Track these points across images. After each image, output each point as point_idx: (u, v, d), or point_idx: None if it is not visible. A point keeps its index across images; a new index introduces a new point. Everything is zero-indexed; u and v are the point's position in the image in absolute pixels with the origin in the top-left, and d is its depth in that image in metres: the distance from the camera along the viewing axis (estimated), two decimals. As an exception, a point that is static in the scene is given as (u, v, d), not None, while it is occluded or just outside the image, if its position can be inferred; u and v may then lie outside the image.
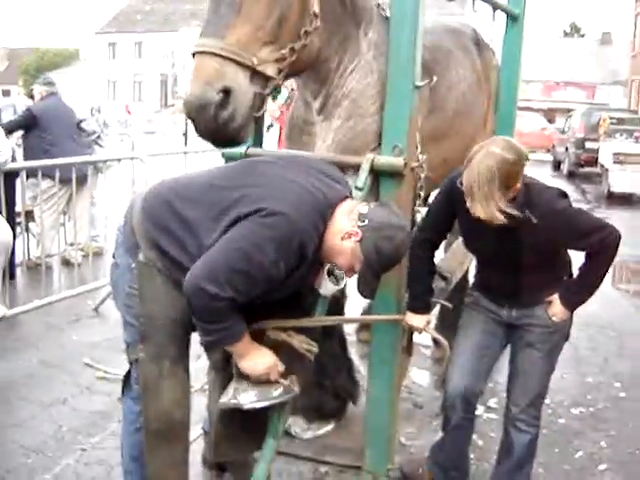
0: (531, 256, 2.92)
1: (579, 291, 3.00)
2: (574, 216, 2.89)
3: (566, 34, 63.69)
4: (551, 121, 32.48)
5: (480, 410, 4.49)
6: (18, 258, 6.93)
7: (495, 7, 4.31)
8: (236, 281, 2.46)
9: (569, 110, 27.39)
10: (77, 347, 5.36)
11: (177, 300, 2.63)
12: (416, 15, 3.05)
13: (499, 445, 3.32)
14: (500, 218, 2.73)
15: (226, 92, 2.58)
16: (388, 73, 3.13)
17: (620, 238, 2.90)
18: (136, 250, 2.71)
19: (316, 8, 2.89)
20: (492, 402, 4.55)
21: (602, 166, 17.07)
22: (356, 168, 3.12)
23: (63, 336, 5.65)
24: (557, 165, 22.68)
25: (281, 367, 2.76)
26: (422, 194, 3.28)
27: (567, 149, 20.93)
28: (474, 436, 4.06)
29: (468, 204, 2.75)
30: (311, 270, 2.72)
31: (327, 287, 2.83)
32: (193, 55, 2.66)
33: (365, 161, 3.10)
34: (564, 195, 2.92)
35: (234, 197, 2.57)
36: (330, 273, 2.79)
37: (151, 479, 2.90)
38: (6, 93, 36.70)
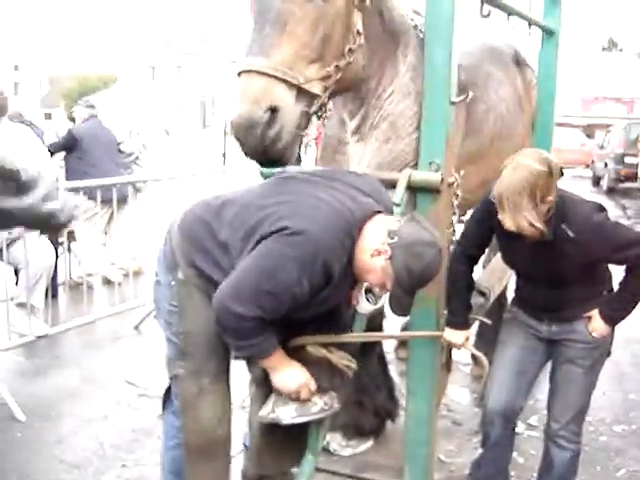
0: (569, 270, 2.90)
1: (619, 306, 2.97)
2: (611, 230, 2.86)
3: (604, 49, 63.15)
4: (590, 136, 32.11)
5: (521, 428, 4.45)
6: (60, 278, 7.04)
7: (531, 23, 4.30)
8: (261, 301, 2.48)
9: (608, 125, 27.09)
10: (118, 365, 5.42)
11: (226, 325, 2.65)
12: (450, 30, 3.05)
13: (540, 462, 3.29)
14: (530, 230, 2.72)
15: (273, 111, 2.58)
16: (424, 89, 3.13)
17: None
18: (176, 268, 2.75)
19: (359, 26, 2.90)
20: (533, 419, 4.50)
21: (643, 181, 16.86)
22: (393, 185, 3.13)
23: (104, 354, 5.72)
24: (597, 181, 22.41)
25: (313, 386, 2.76)
26: (458, 211, 3.27)
27: (606, 164, 20.69)
28: (514, 454, 4.02)
29: (499, 216, 2.75)
30: (345, 286, 2.71)
31: (364, 306, 2.82)
32: (239, 74, 2.67)
33: (402, 177, 3.11)
34: (601, 209, 2.90)
35: (260, 216, 2.57)
36: (368, 291, 2.79)
37: None
38: (48, 116, 37.35)
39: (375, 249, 2.55)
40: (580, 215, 2.84)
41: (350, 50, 2.86)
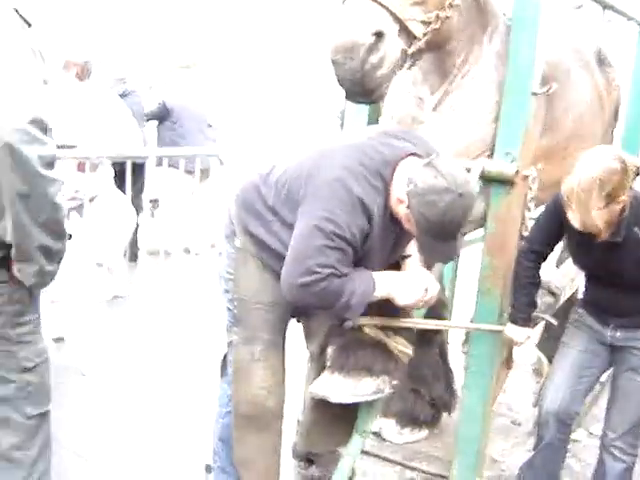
0: (638, 275, 2.79)
1: None
2: None
3: None
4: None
5: (581, 435, 4.34)
6: (142, 244, 7.19)
7: (628, 18, 4.15)
8: (325, 258, 2.45)
9: None
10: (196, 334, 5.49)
11: (270, 284, 2.69)
12: (537, 17, 2.97)
13: (593, 471, 3.20)
14: (599, 229, 2.63)
15: (379, 35, 2.53)
16: (506, 77, 3.07)
17: None
18: (233, 236, 2.79)
19: None
20: (595, 428, 4.36)
21: None
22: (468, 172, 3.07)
23: (179, 320, 5.80)
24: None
25: (432, 282, 2.72)
26: (532, 206, 3.19)
27: None
28: (571, 460, 3.96)
29: (567, 213, 2.66)
30: (394, 236, 2.66)
31: None
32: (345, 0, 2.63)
33: (476, 165, 3.05)
34: None
35: (301, 176, 2.58)
36: None
37: (238, 463, 2.95)
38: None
39: (397, 197, 2.53)
40: None
41: (450, 5, 2.80)
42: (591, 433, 4.27)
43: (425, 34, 2.74)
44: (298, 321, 3.07)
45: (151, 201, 7.37)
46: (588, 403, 4.49)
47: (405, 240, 2.74)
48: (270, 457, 2.98)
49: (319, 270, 2.45)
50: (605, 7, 3.66)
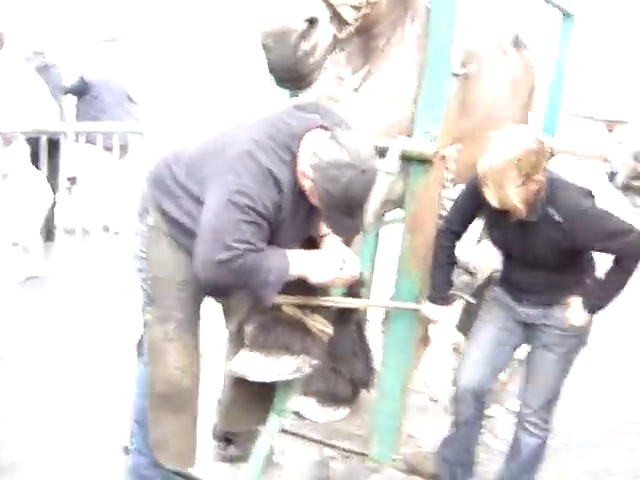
0: (552, 255, 2.85)
1: (600, 295, 2.92)
2: (599, 217, 2.80)
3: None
4: (611, 131, 31.87)
5: (498, 411, 4.43)
6: (59, 222, 7.01)
7: (548, 2, 4.21)
8: (241, 234, 2.42)
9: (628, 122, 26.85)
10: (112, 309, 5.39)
11: (183, 263, 2.65)
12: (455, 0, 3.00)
13: (509, 447, 3.27)
14: (515, 208, 2.67)
15: (311, 22, 2.52)
16: (427, 57, 3.07)
17: None
18: (146, 214, 2.74)
19: None
20: (510, 404, 4.46)
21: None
22: (386, 152, 3.08)
23: (97, 300, 5.69)
24: (612, 176, 22.22)
25: (347, 258, 2.72)
26: (451, 186, 3.22)
27: (623, 161, 20.49)
28: (487, 436, 4.03)
29: (484, 191, 2.69)
30: (307, 210, 2.65)
31: None
32: None
33: (396, 145, 3.05)
34: (590, 194, 2.84)
35: (210, 152, 2.57)
36: None
37: (153, 445, 2.90)
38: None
39: (301, 170, 2.52)
40: (568, 199, 2.78)
41: None
42: (507, 409, 4.36)
43: (356, 19, 2.75)
44: (217, 300, 3.03)
45: (69, 179, 7.18)
46: (505, 380, 4.60)
47: (317, 216, 2.71)
48: (186, 438, 2.94)
49: (236, 246, 2.41)
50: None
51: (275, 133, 2.52)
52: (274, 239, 2.58)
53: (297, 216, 2.63)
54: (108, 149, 6.61)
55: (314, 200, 2.55)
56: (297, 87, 2.80)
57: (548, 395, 3.07)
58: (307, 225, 2.75)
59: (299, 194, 2.57)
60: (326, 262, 2.68)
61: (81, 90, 7.45)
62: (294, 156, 2.53)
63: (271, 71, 2.63)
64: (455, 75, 3.06)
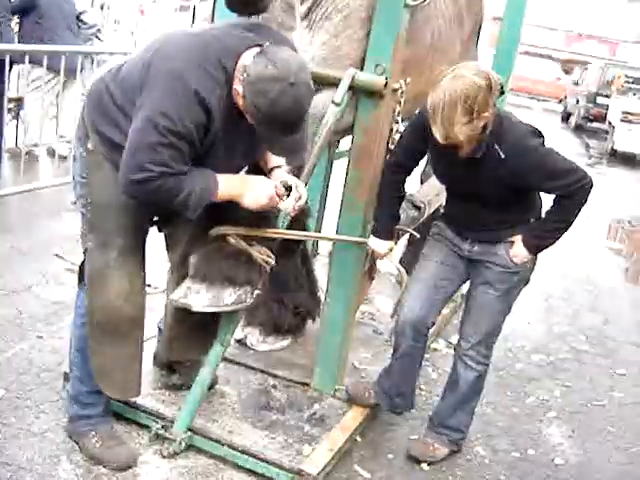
0: (496, 192, 2.86)
1: (542, 235, 2.94)
2: (544, 156, 2.80)
3: (596, -15, 62.15)
4: (568, 72, 31.93)
5: (441, 344, 4.52)
6: (7, 145, 6.85)
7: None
8: (158, 156, 2.39)
9: (587, 63, 26.94)
10: (51, 238, 5.32)
11: (153, 200, 2.57)
12: None
13: (447, 378, 3.33)
14: (462, 145, 2.67)
15: None
16: (380, -14, 3.01)
17: (592, 186, 2.82)
18: (86, 138, 2.68)
19: None
20: (454, 338, 4.54)
21: (609, 123, 16.84)
22: (336, 84, 3.03)
23: (39, 225, 5.61)
24: (566, 117, 22.35)
25: (280, 189, 2.69)
26: (399, 119, 3.19)
27: (578, 102, 20.61)
28: (429, 369, 4.13)
29: (431, 126, 2.67)
30: (246, 130, 2.56)
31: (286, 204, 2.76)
32: None
33: (345, 76, 3.01)
34: (538, 134, 2.83)
35: (139, 67, 2.50)
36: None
37: (95, 374, 2.89)
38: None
39: (235, 88, 2.47)
40: (514, 137, 2.78)
41: None
42: (450, 343, 4.44)
43: None
44: (159, 230, 2.99)
45: (12, 99, 6.99)
46: (448, 314, 4.68)
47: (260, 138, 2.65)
48: (128, 366, 2.92)
49: (151, 167, 2.39)
50: None
51: (207, 50, 2.46)
52: (209, 160, 2.55)
53: (234, 137, 2.58)
54: (54, 70, 6.43)
55: (250, 119, 2.49)
56: (249, 11, 2.71)
57: (487, 330, 3.11)
58: (249, 148, 2.70)
59: (236, 115, 2.50)
60: (258, 187, 2.64)
61: (27, 9, 7.18)
62: (229, 75, 2.46)
63: None
64: (407, 6, 3.00)
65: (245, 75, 2.40)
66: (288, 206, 2.76)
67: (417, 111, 2.97)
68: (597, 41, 40.44)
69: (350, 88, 3.02)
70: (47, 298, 4.36)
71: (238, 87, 2.44)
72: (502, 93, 2.74)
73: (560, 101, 25.26)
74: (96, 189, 2.69)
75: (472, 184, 2.89)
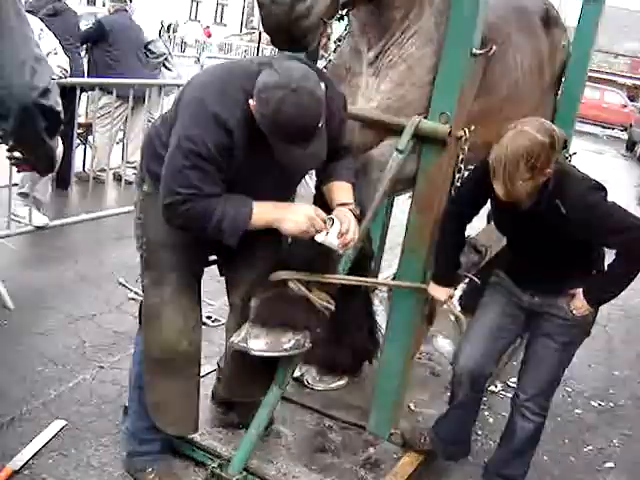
0: (557, 245, 2.84)
1: (604, 288, 2.91)
2: (606, 212, 2.77)
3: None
4: (633, 99, 31.46)
5: (498, 387, 4.47)
6: (76, 170, 7.02)
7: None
8: (185, 179, 2.47)
9: (655, 90, 26.50)
10: (115, 265, 5.44)
11: (187, 226, 2.65)
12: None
13: (504, 427, 3.30)
14: (522, 201, 2.66)
15: None
16: (446, 36, 3.02)
17: None
18: (142, 183, 2.82)
19: None
20: (512, 381, 4.50)
21: (676, 153, 16.51)
22: (400, 131, 3.05)
23: (103, 253, 5.75)
24: (632, 145, 21.97)
25: (322, 213, 2.66)
26: (463, 167, 3.19)
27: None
28: (486, 413, 4.09)
29: (492, 181, 2.67)
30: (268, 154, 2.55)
31: (330, 240, 2.70)
32: None
33: (410, 124, 3.03)
34: (599, 188, 2.80)
35: (175, 103, 2.64)
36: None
37: (150, 408, 2.94)
38: (91, 1, 36.88)
39: (251, 104, 2.47)
40: (575, 192, 2.75)
41: None
42: (508, 385, 4.40)
43: None
44: (221, 274, 3.05)
45: (81, 125, 7.17)
46: (506, 356, 4.62)
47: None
48: (184, 402, 2.97)
49: (180, 191, 2.48)
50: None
51: (229, 76, 2.54)
52: (242, 182, 2.59)
53: (264, 162, 2.57)
54: (122, 98, 6.60)
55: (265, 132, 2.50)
56: (293, 49, 2.76)
57: (546, 383, 3.08)
58: (285, 175, 2.69)
59: (259, 136, 2.49)
60: (298, 209, 2.63)
61: (97, 38, 7.39)
62: (249, 95, 2.47)
63: (267, 31, 2.60)
64: (474, 56, 3.00)
65: (255, 89, 2.43)
66: (332, 241, 2.69)
67: (480, 161, 2.97)
68: (664, 67, 39.68)
69: (414, 136, 3.03)
70: (110, 327, 4.45)
71: (251, 101, 2.45)
72: (565, 147, 2.72)
73: (625, 129, 24.85)
74: (150, 228, 2.80)
75: (533, 237, 2.87)
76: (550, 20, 4.26)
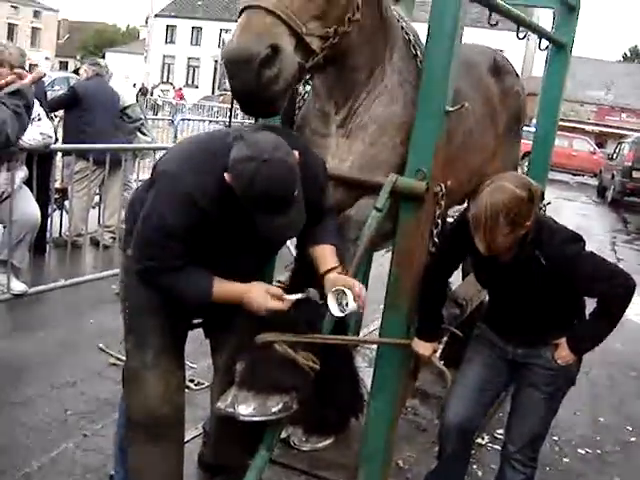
0: (538, 297, 2.87)
1: (588, 337, 2.95)
2: (585, 262, 2.82)
3: (625, 58, 62.74)
4: (601, 145, 32.07)
5: (485, 439, 4.45)
6: (52, 234, 6.99)
7: (541, 35, 4.24)
8: (149, 252, 2.59)
9: (621, 136, 27.02)
10: (94, 331, 5.38)
11: (157, 291, 2.70)
12: (453, 39, 3.00)
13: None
14: (502, 254, 2.70)
15: (275, 50, 2.49)
16: (419, 95, 3.08)
17: (634, 287, 2.83)
18: (126, 246, 2.83)
19: (360, 1, 2.84)
20: (499, 432, 4.48)
21: (647, 197, 16.79)
22: (377, 189, 3.09)
23: (82, 318, 5.69)
24: (602, 191, 22.32)
25: (277, 290, 2.74)
26: (439, 222, 3.23)
27: (613, 176, 20.60)
28: (474, 466, 4.05)
29: (474, 237, 2.71)
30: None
31: (332, 311, 2.79)
32: (243, 10, 2.58)
33: (387, 182, 3.07)
34: (577, 239, 2.86)
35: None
36: (338, 298, 2.76)
37: (132, 473, 2.91)
38: (63, 66, 37.22)
39: (225, 177, 2.49)
40: (555, 244, 2.81)
41: (349, 20, 2.80)
42: (495, 437, 4.38)
43: (323, 49, 2.73)
44: (206, 336, 3.04)
45: (58, 190, 7.17)
46: (493, 408, 4.61)
47: None
48: (167, 466, 2.93)
49: (144, 262, 2.62)
50: (519, 24, 3.71)
51: (204, 153, 2.61)
52: (221, 249, 2.65)
53: (241, 225, 2.58)
54: (98, 163, 6.63)
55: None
56: (260, 114, 2.81)
57: (534, 433, 3.08)
58: (261, 242, 2.68)
59: (237, 205, 2.51)
60: (259, 287, 2.70)
61: (70, 103, 7.44)
62: (225, 170, 2.49)
63: (235, 96, 2.61)
64: (447, 113, 3.07)
65: (230, 163, 2.47)
66: (354, 308, 2.75)
67: (457, 216, 3.01)
68: (629, 113, 40.60)
69: (391, 193, 3.07)
70: (92, 394, 4.39)
71: (226, 175, 2.48)
72: (542, 199, 2.78)
73: (595, 175, 25.27)
74: (132, 291, 2.81)
75: (514, 289, 2.91)
76: (499, 68, 4.35)
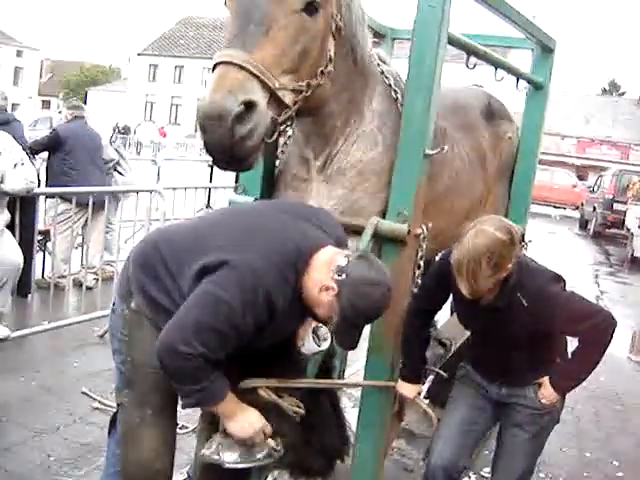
0: (521, 337, 2.89)
1: (571, 375, 2.96)
2: (565, 302, 2.85)
3: (605, 91, 63.64)
4: (582, 178, 32.37)
5: (472, 478, 4.43)
6: (35, 276, 6.96)
7: (518, 76, 4.30)
8: (206, 338, 2.43)
9: (602, 168, 27.30)
10: (77, 374, 5.35)
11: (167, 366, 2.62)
12: (432, 82, 3.05)
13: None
14: (486, 298, 2.72)
15: (248, 106, 2.50)
16: (400, 138, 3.12)
17: (615, 325, 2.86)
18: (130, 297, 2.74)
19: (332, 52, 2.88)
20: (486, 471, 4.47)
21: (628, 229, 16.93)
22: (359, 232, 3.11)
23: (65, 362, 5.65)
24: (584, 223, 22.51)
25: (269, 430, 2.73)
26: (422, 263, 3.25)
27: (595, 209, 20.80)
28: (462, 506, 4.02)
29: (457, 280, 2.74)
30: (294, 320, 2.70)
31: (309, 346, 2.80)
32: (215, 66, 2.59)
33: (369, 225, 3.09)
34: (557, 279, 2.89)
35: (206, 246, 2.57)
36: (314, 332, 2.78)
37: None
38: (46, 105, 37.27)
39: (323, 284, 2.53)
40: (535, 285, 2.84)
41: (322, 72, 2.84)
42: (482, 476, 4.37)
43: (296, 102, 2.75)
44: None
45: (40, 232, 7.15)
46: (478, 447, 4.60)
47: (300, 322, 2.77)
48: None
49: (194, 346, 2.41)
50: (497, 66, 3.77)
51: (284, 250, 2.55)
52: (249, 343, 2.59)
53: (285, 325, 2.67)
54: (81, 205, 6.64)
55: (324, 312, 2.58)
56: (234, 169, 2.81)
57: (520, 473, 3.08)
58: (285, 334, 2.78)
59: (295, 307, 2.59)
60: (248, 427, 2.67)
61: (53, 147, 7.45)
62: (299, 275, 2.55)
63: (208, 151, 2.61)
64: (427, 156, 3.10)
65: (344, 275, 2.50)
66: (311, 350, 2.82)
67: (440, 257, 3.04)
68: (609, 146, 41.08)
69: (373, 236, 3.09)
70: (75, 440, 4.34)
71: (329, 284, 2.51)
72: (522, 241, 2.81)
73: (577, 208, 25.48)
74: (136, 348, 2.73)
75: (496, 331, 2.93)
76: (493, 113, 4.40)
